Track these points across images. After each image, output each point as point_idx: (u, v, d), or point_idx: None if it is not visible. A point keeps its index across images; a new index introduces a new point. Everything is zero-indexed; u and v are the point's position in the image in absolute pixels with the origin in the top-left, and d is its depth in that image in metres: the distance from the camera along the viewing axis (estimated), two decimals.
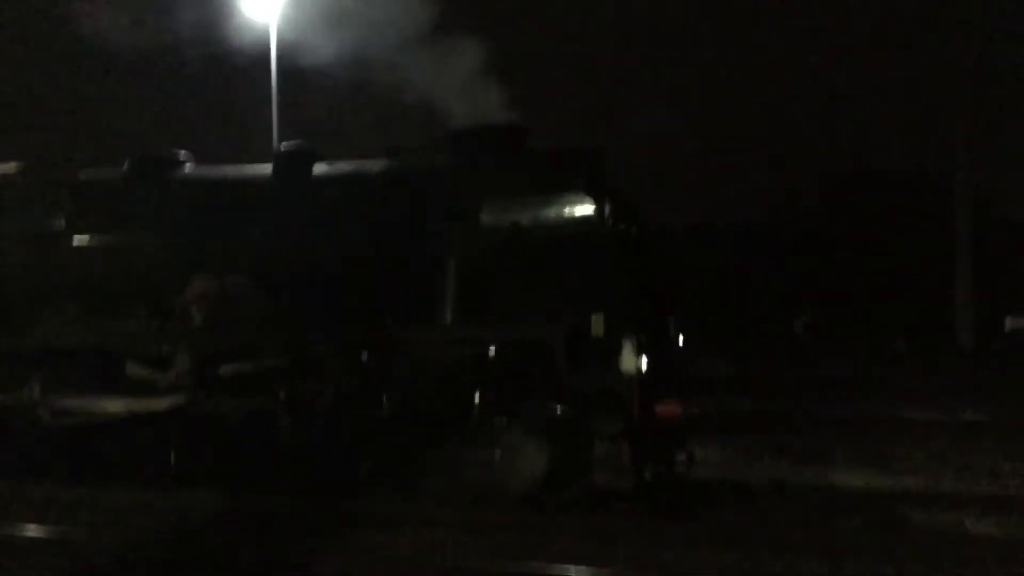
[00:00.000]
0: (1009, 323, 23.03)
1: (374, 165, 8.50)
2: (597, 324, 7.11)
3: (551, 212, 7.53)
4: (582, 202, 7.46)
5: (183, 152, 9.47)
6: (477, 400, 7.24)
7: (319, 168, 8.70)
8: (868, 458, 9.54)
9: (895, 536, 6.55)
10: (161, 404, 8.14)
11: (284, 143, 9.76)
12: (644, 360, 6.97)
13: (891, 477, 8.69)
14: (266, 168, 8.97)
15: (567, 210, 7.49)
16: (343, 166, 8.68)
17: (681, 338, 8.46)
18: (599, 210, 7.40)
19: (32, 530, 6.86)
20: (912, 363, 16.87)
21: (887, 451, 9.85)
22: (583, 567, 5.72)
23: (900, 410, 12.38)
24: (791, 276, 23.70)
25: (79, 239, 8.98)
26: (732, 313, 22.00)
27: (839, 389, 14.71)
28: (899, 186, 25.24)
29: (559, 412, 7.14)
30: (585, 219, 7.42)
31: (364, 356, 7.65)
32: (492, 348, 7.31)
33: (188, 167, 9.38)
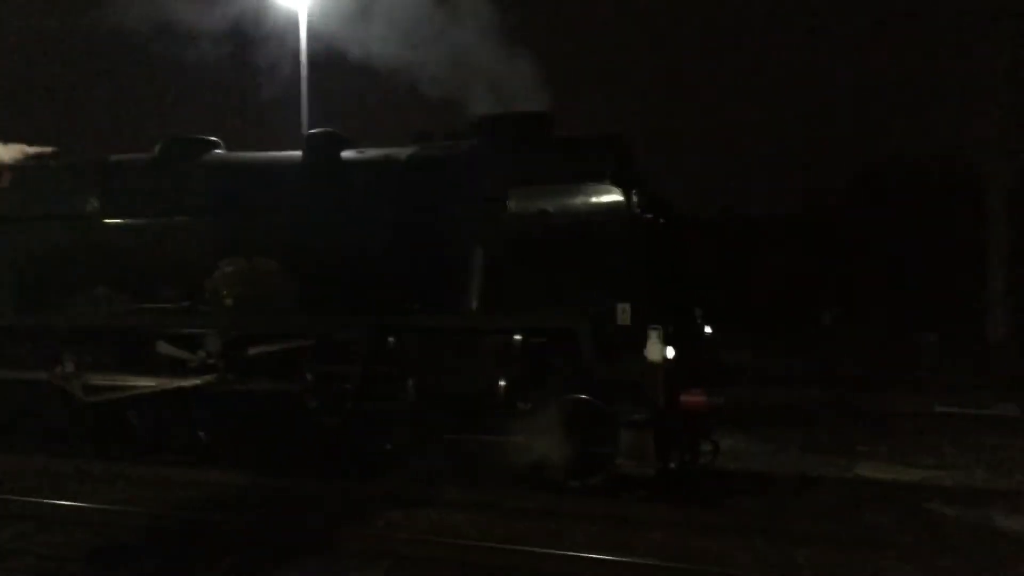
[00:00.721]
0: None
1: (402, 151, 8.52)
2: (623, 313, 7.08)
3: (577, 199, 7.48)
4: (609, 190, 7.40)
5: (213, 137, 9.58)
6: (502, 386, 7.24)
7: (347, 153, 8.74)
8: (897, 451, 9.46)
9: (922, 530, 6.47)
10: (190, 383, 8.25)
11: (313, 129, 9.79)
12: (670, 350, 6.93)
13: (920, 471, 8.61)
14: (296, 153, 9.02)
15: (594, 198, 7.43)
16: (371, 152, 8.71)
17: (708, 328, 8.42)
18: (626, 198, 7.34)
19: (62, 504, 6.98)
20: (943, 356, 16.65)
21: (916, 445, 9.75)
22: (605, 556, 5.71)
23: (930, 404, 12.23)
24: (820, 267, 23.47)
25: (111, 221, 9.11)
26: (760, 304, 21.83)
27: (868, 381, 14.56)
28: (930, 177, 24.86)
29: (584, 400, 7.14)
30: (612, 207, 7.37)
31: (390, 340, 7.69)
32: (518, 335, 7.31)
33: (218, 151, 9.48)
